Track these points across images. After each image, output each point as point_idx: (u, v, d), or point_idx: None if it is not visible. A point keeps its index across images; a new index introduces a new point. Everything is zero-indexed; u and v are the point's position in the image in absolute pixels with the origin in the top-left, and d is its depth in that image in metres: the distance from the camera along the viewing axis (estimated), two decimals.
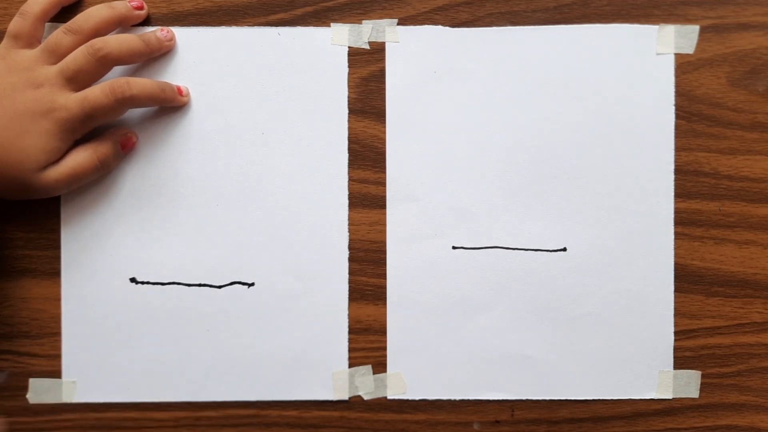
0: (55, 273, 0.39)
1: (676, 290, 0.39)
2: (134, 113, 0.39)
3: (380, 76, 0.39)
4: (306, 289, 0.39)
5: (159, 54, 0.38)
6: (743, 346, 0.39)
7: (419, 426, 0.39)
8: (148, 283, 0.39)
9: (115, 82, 0.36)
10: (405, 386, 0.39)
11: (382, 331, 0.39)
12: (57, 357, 0.39)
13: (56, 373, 0.39)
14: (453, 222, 0.39)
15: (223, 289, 0.39)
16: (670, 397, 0.39)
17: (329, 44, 0.39)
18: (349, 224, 0.39)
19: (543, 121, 0.39)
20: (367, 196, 0.39)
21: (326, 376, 0.39)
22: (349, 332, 0.39)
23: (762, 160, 0.38)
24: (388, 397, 0.39)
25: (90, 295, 0.39)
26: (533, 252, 0.39)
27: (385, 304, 0.39)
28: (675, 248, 0.39)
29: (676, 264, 0.39)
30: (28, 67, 0.35)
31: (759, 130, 0.38)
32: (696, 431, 0.39)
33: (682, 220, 0.39)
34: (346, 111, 0.39)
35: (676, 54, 0.38)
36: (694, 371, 0.38)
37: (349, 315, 0.39)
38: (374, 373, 0.39)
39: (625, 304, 0.39)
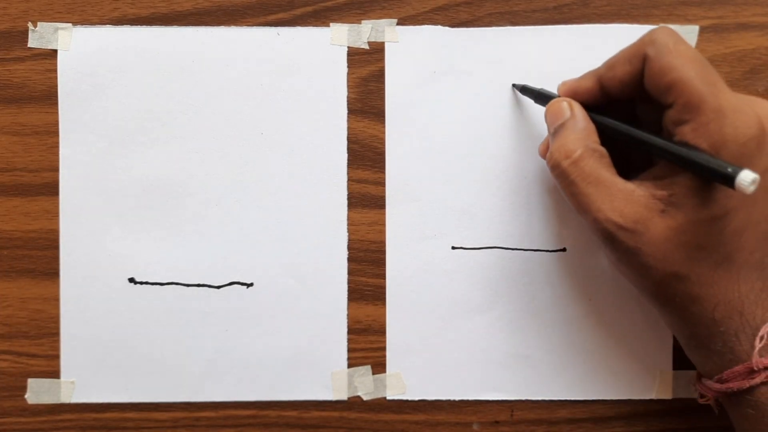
0: (53, 273, 0.39)
1: None
2: (131, 113, 0.39)
3: (380, 76, 0.39)
4: (305, 289, 0.39)
5: None
6: None
7: (419, 426, 0.39)
8: (146, 283, 0.39)
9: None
10: (404, 386, 0.39)
11: (382, 331, 0.39)
12: (56, 357, 0.39)
13: (55, 374, 0.39)
14: (452, 222, 0.39)
15: (222, 289, 0.39)
16: (670, 398, 0.39)
17: (328, 44, 0.39)
18: (349, 224, 0.39)
19: (542, 120, 0.38)
20: (366, 196, 0.39)
21: (325, 376, 0.39)
22: (349, 332, 0.39)
23: None
24: (388, 398, 0.39)
25: (89, 296, 0.39)
26: (533, 252, 0.39)
27: (384, 304, 0.39)
28: None
29: None
30: None
31: None
32: (695, 431, 0.39)
33: None
34: (346, 111, 0.39)
35: None
36: (693, 371, 0.38)
37: (348, 315, 0.39)
38: (373, 373, 0.39)
39: (624, 304, 0.39)
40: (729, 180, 0.27)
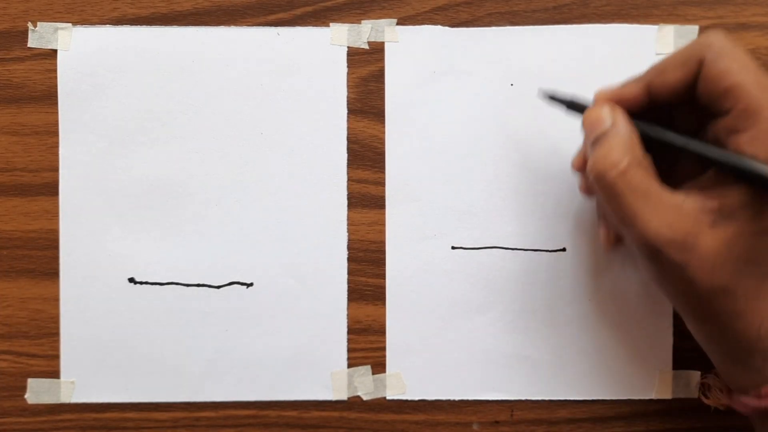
0: (53, 273, 0.39)
1: None
2: (131, 113, 0.39)
3: (379, 75, 0.39)
4: (305, 289, 0.39)
5: None
6: None
7: (419, 426, 0.39)
8: (146, 283, 0.39)
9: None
10: (404, 386, 0.39)
11: (382, 331, 0.39)
12: (55, 357, 0.39)
13: (55, 374, 0.39)
14: (452, 222, 0.39)
15: (221, 289, 0.39)
16: (670, 398, 0.39)
17: (328, 44, 0.39)
18: (349, 224, 0.39)
19: (542, 120, 0.38)
20: (366, 196, 0.39)
21: (325, 376, 0.39)
22: (348, 332, 0.39)
23: None
24: (388, 398, 0.39)
25: (88, 296, 0.39)
26: (533, 252, 0.39)
27: (384, 304, 0.39)
28: None
29: None
30: None
31: None
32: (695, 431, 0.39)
33: None
34: (346, 111, 0.39)
35: None
36: (693, 371, 0.38)
37: (348, 315, 0.39)
38: (373, 373, 0.39)
39: (624, 305, 0.38)
40: None
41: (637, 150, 0.30)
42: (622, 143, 0.30)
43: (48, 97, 0.39)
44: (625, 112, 0.31)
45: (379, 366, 0.39)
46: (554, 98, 0.34)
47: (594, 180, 0.30)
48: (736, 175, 0.28)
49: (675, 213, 0.29)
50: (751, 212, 0.28)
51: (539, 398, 0.39)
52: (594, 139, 0.31)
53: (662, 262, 0.29)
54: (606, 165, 0.29)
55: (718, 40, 0.29)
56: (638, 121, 0.31)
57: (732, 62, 0.28)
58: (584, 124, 0.32)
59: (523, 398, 0.39)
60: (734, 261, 0.28)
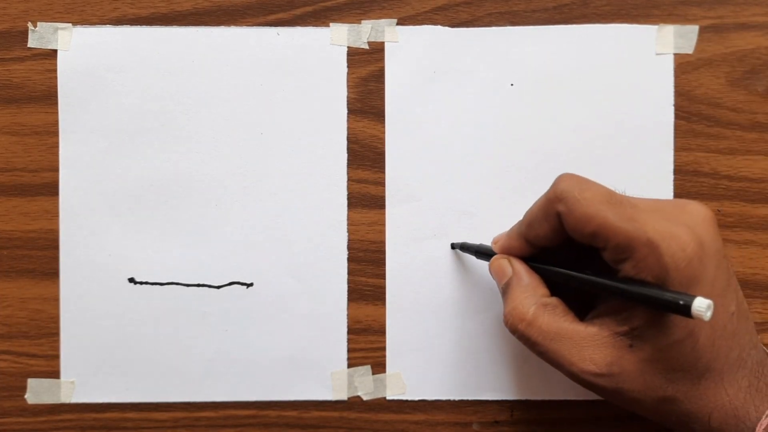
0: (53, 273, 0.39)
1: None
2: (131, 113, 0.39)
3: (379, 75, 0.39)
4: (305, 289, 0.39)
5: None
6: None
7: (419, 426, 0.39)
8: (146, 283, 0.39)
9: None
10: (404, 386, 0.39)
11: (382, 331, 0.39)
12: (55, 357, 0.39)
13: (55, 374, 0.39)
14: (452, 222, 0.39)
15: (222, 289, 0.39)
16: None
17: (328, 44, 0.39)
18: (349, 224, 0.39)
19: (542, 120, 0.39)
20: (366, 196, 0.39)
21: (325, 376, 0.39)
22: (348, 332, 0.39)
23: (761, 160, 0.38)
24: (388, 398, 0.39)
25: (88, 296, 0.39)
26: None
27: (384, 304, 0.39)
28: None
29: None
30: None
31: (758, 131, 0.38)
32: None
33: None
34: (345, 111, 0.39)
35: (675, 54, 0.38)
36: None
37: (348, 315, 0.39)
38: (373, 373, 0.39)
39: None
40: (685, 310, 0.26)
41: (541, 294, 0.32)
42: (526, 292, 0.32)
43: (48, 97, 0.39)
44: (521, 262, 0.33)
45: (379, 366, 0.39)
46: (464, 248, 0.38)
47: (510, 333, 0.32)
48: (634, 301, 0.28)
49: (593, 346, 0.30)
50: (661, 328, 0.29)
51: (539, 398, 0.39)
52: (502, 289, 0.33)
53: (599, 390, 0.30)
54: (515, 319, 0.31)
55: (566, 188, 0.30)
56: (538, 264, 0.33)
57: (586, 208, 0.29)
58: (491, 273, 0.34)
59: (523, 398, 0.39)
60: (663, 373, 0.29)
